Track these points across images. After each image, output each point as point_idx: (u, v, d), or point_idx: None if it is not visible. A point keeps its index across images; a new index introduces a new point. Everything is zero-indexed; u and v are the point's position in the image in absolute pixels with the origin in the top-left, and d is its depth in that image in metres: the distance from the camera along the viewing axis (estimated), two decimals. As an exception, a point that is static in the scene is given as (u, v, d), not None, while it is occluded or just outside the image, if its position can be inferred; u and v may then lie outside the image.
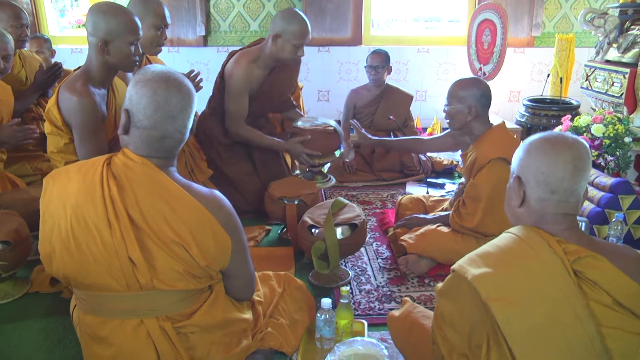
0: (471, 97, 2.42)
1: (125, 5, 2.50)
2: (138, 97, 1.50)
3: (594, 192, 2.82)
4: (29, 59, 3.32)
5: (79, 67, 2.28)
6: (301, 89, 4.13)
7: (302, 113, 3.61)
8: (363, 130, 3.31)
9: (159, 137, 1.52)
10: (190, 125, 1.60)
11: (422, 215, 2.74)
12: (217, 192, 1.61)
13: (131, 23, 2.18)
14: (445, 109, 2.51)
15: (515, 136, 4.21)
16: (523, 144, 1.34)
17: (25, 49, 3.41)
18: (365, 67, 4.03)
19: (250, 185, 3.27)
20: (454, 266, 1.28)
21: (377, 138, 3.38)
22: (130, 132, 1.53)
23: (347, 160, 3.60)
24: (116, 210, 1.47)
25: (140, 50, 2.26)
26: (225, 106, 3.14)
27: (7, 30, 3.05)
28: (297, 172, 3.53)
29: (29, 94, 3.18)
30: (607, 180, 2.80)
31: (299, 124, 3.24)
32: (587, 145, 1.31)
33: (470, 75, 4.55)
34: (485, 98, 2.45)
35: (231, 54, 3.18)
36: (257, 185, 3.25)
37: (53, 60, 3.69)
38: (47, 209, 1.53)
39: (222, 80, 3.20)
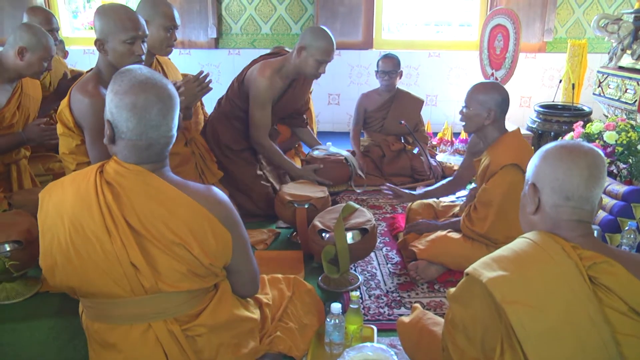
0: (492, 102, 2.39)
1: (135, 7, 2.52)
2: (118, 109, 1.48)
3: (606, 200, 2.80)
4: (55, 64, 3.33)
5: (91, 69, 2.29)
6: (310, 92, 4.13)
7: (313, 134, 3.70)
8: (404, 190, 3.01)
9: (145, 146, 1.50)
10: (176, 126, 1.57)
11: (432, 222, 2.73)
12: (213, 188, 1.60)
13: (122, 21, 2.15)
14: (464, 110, 2.47)
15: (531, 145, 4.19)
16: (539, 152, 1.34)
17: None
18: (376, 72, 4.03)
19: (259, 188, 3.27)
20: (468, 269, 1.28)
21: (420, 192, 3.01)
22: (116, 143, 1.52)
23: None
24: (113, 217, 1.46)
25: (144, 50, 2.25)
26: (250, 114, 3.18)
27: None
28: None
29: (50, 101, 3.19)
30: (620, 188, 2.78)
31: (314, 153, 3.34)
32: (603, 154, 1.30)
33: (482, 80, 4.53)
34: (505, 104, 2.42)
35: (253, 62, 3.24)
36: (266, 188, 3.27)
37: (67, 61, 3.72)
38: (45, 222, 1.53)
39: (240, 86, 3.24)
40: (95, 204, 1.46)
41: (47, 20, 3.14)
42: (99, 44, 2.16)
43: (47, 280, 1.58)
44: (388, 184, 3.00)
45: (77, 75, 3.25)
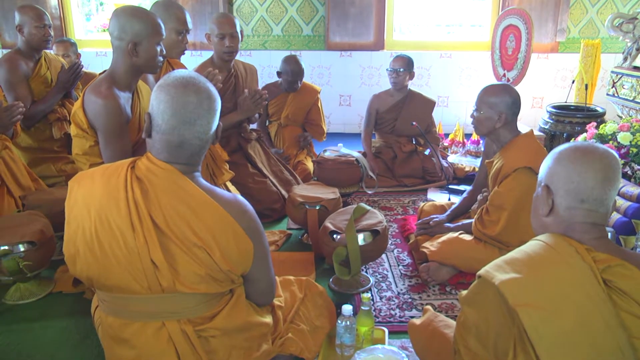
0: (502, 104, 2.37)
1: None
2: (157, 101, 1.52)
3: (620, 202, 2.76)
4: (53, 62, 3.39)
5: (104, 71, 2.31)
6: (319, 92, 4.15)
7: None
8: (434, 217, 2.80)
9: (177, 143, 1.52)
10: (212, 131, 1.59)
11: (446, 224, 2.71)
12: (240, 197, 1.62)
13: (157, 24, 2.22)
14: (474, 114, 2.46)
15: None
16: (552, 153, 1.33)
17: (51, 51, 3.47)
18: (387, 70, 4.02)
19: (257, 184, 3.32)
20: (480, 272, 1.27)
21: (448, 214, 2.83)
22: (152, 136, 1.55)
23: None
24: (139, 213, 1.48)
25: (164, 51, 2.29)
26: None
27: (31, 31, 3.18)
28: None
29: (53, 95, 3.26)
30: (635, 189, 2.74)
31: (325, 154, 3.34)
32: (617, 156, 1.29)
33: (493, 80, 4.51)
34: (516, 106, 2.40)
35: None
36: (263, 183, 3.32)
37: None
38: (72, 211, 1.55)
39: None
40: (123, 198, 1.48)
41: (37, 16, 3.18)
42: (132, 45, 2.16)
43: (68, 267, 1.60)
44: (419, 223, 2.80)
45: (72, 65, 3.29)
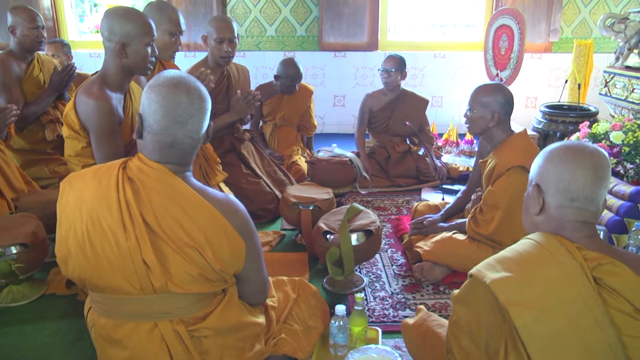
0: (495, 103, 2.38)
1: (142, 11, 2.53)
2: (149, 102, 1.52)
3: (613, 201, 2.77)
4: (46, 63, 3.38)
5: (96, 72, 2.30)
6: (312, 92, 4.17)
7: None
8: (428, 217, 2.83)
9: (169, 143, 1.52)
10: (203, 131, 1.60)
11: (440, 223, 2.71)
12: (232, 197, 1.62)
13: (147, 25, 2.20)
14: (468, 114, 2.46)
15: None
16: (542, 152, 1.34)
17: (43, 52, 3.46)
18: (379, 70, 4.03)
19: (251, 185, 3.32)
20: (472, 271, 1.27)
21: (442, 213, 2.84)
22: (143, 137, 1.55)
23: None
24: (131, 214, 1.48)
25: (157, 52, 2.29)
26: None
27: (24, 32, 3.16)
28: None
29: (46, 97, 3.25)
30: (627, 188, 2.76)
31: (319, 154, 3.35)
32: (607, 155, 1.29)
33: (487, 80, 4.51)
34: (509, 105, 2.41)
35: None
36: (257, 183, 3.32)
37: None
38: (64, 212, 1.55)
39: None
40: (115, 199, 1.48)
41: (30, 18, 3.16)
42: (120, 46, 2.15)
43: (60, 269, 1.59)
44: (413, 223, 2.83)
45: (66, 66, 3.28)
